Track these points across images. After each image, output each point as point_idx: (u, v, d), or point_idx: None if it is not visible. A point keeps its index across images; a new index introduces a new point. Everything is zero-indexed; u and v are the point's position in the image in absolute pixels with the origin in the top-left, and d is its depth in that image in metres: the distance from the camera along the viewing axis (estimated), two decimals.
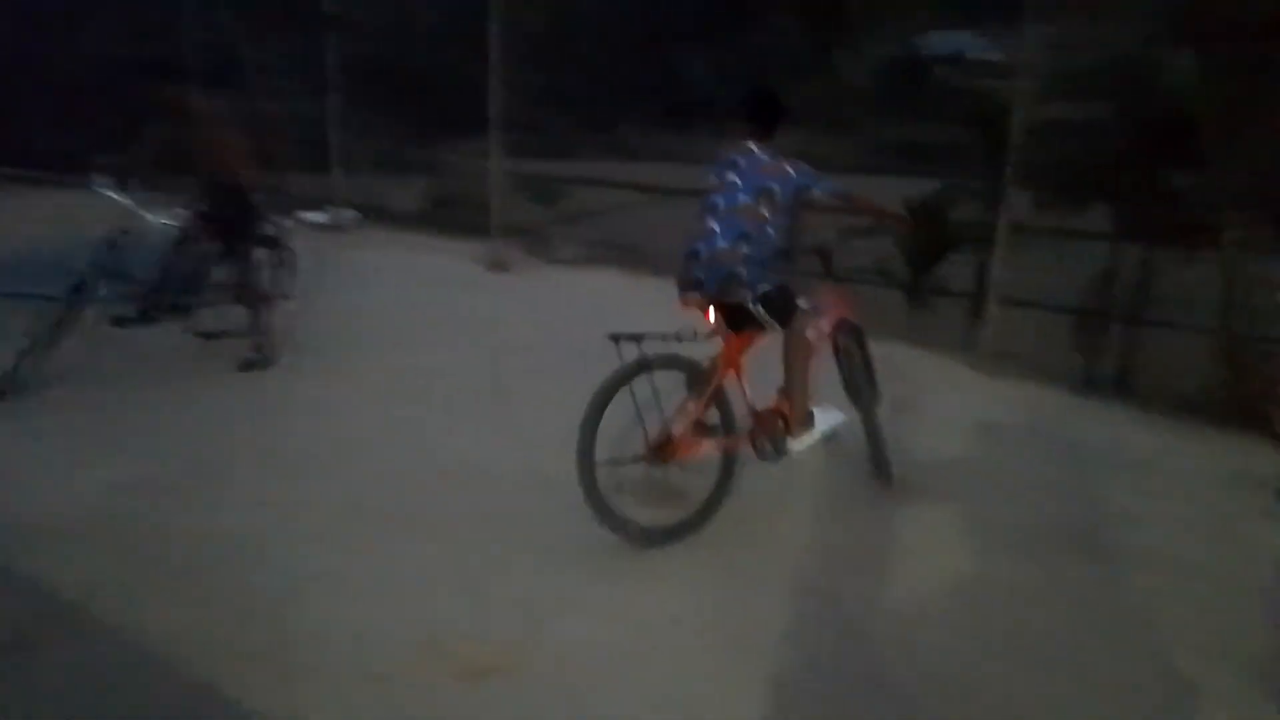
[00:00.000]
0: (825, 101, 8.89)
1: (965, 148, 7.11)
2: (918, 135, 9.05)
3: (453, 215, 8.60)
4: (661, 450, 3.37)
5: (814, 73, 9.01)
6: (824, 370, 3.85)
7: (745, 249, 3.40)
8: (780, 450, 3.65)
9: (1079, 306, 6.13)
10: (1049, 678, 2.75)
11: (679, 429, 3.40)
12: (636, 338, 3.27)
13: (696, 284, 3.47)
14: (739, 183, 3.47)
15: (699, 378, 3.48)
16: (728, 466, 3.60)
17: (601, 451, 3.22)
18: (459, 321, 6.24)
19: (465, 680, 2.60)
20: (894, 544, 3.53)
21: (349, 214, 8.80)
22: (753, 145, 3.54)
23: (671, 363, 3.41)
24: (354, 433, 4.33)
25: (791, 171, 3.50)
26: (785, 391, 3.64)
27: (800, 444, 3.65)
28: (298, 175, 9.54)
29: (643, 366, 3.29)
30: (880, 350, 5.92)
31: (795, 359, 3.57)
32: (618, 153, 9.86)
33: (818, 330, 3.74)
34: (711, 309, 3.49)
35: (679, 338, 3.36)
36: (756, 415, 3.65)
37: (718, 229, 3.44)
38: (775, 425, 3.64)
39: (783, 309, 3.49)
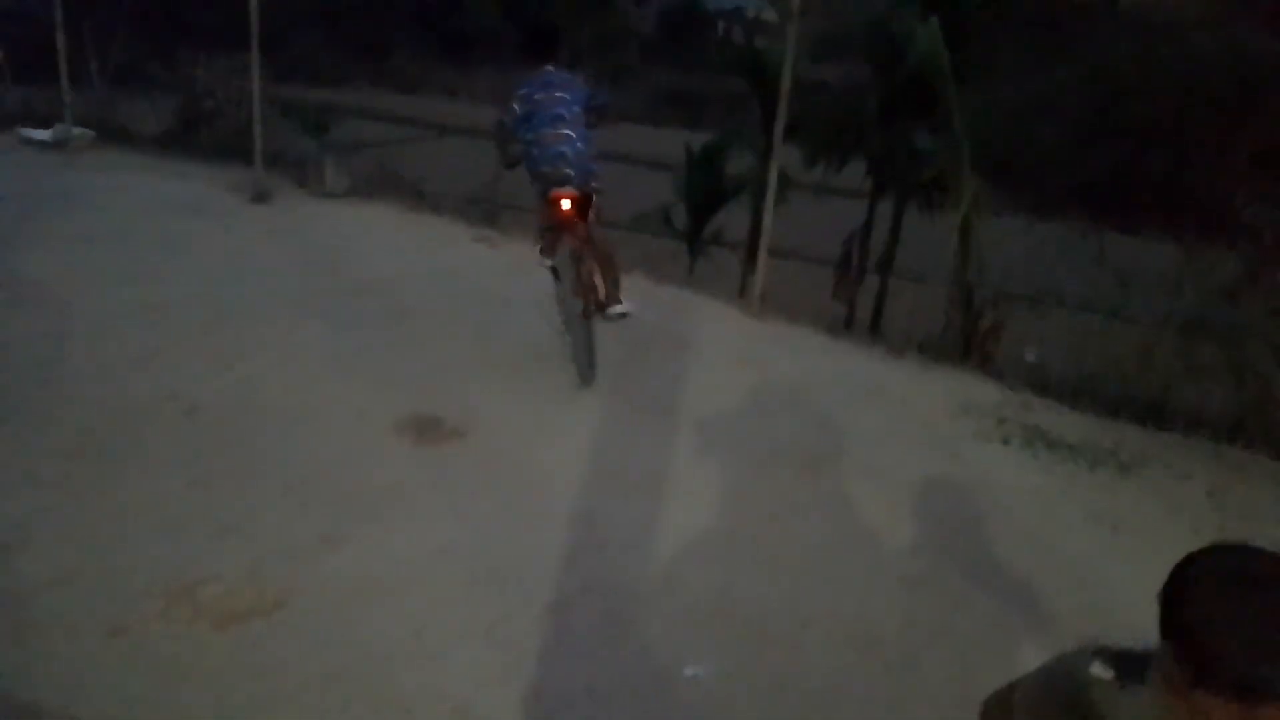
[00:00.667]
0: (608, 47, 8.92)
1: (741, 101, 7.40)
2: (697, 86, 9.32)
3: (208, 139, 7.80)
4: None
5: (597, 15, 8.99)
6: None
7: (591, 150, 4.09)
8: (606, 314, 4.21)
9: (839, 259, 6.65)
10: (795, 584, 2.98)
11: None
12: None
13: (567, 179, 4.02)
14: (566, 97, 4.04)
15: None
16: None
17: None
18: (211, 251, 5.72)
19: (219, 628, 2.44)
20: (651, 468, 3.66)
21: (81, 132, 7.76)
22: (551, 67, 4.10)
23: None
24: (70, 370, 3.89)
25: (583, 85, 4.17)
26: (603, 269, 4.18)
27: (619, 309, 4.21)
28: (19, 87, 8.29)
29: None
30: (661, 293, 6.20)
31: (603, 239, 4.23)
32: (394, 84, 9.39)
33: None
34: (568, 201, 4.00)
35: None
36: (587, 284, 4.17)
37: (573, 134, 4.04)
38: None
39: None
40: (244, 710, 2.21)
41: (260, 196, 6.79)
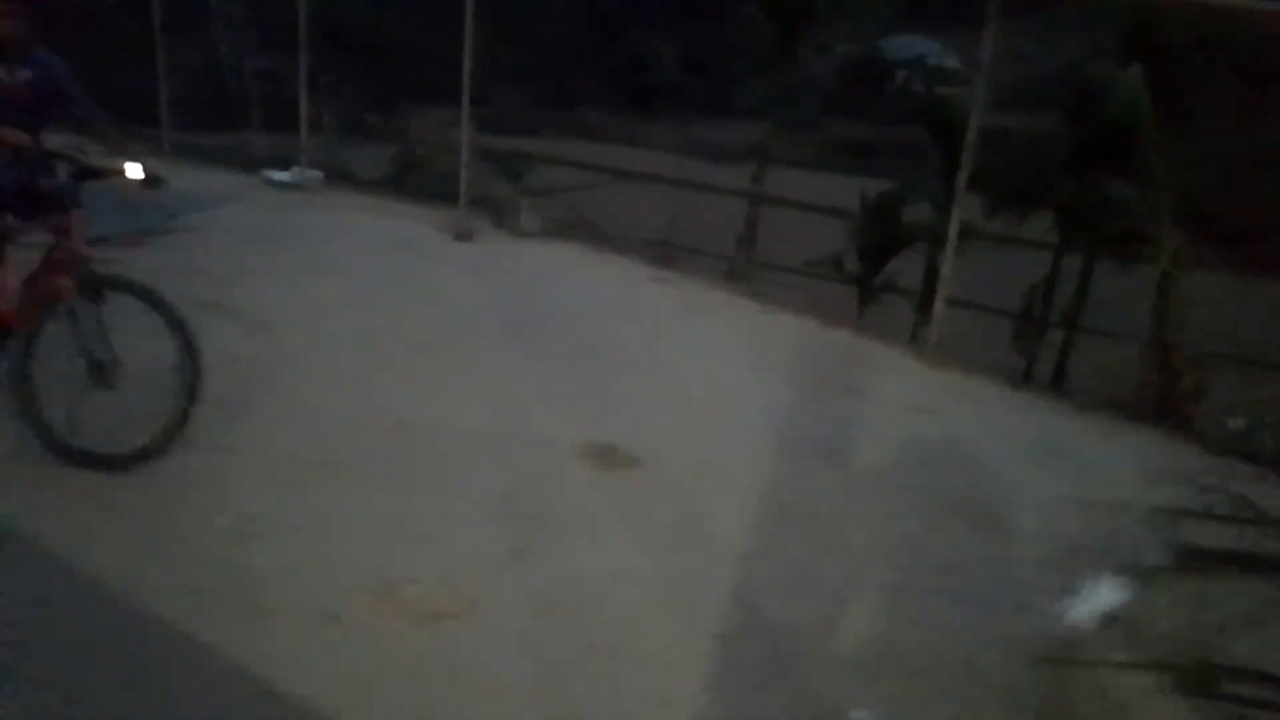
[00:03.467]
0: (787, 97, 9.07)
1: (920, 150, 7.34)
2: (875, 136, 9.29)
3: (419, 182, 8.60)
4: None
5: (778, 67, 9.19)
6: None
7: None
8: None
9: (1020, 310, 6.42)
10: (966, 641, 2.92)
11: None
12: None
13: None
14: None
15: None
16: None
17: None
18: (419, 284, 6.25)
19: (418, 624, 2.68)
20: (819, 511, 3.68)
21: (313, 175, 8.76)
22: None
23: None
24: (292, 387, 4.37)
25: None
26: None
27: None
28: (265, 134, 9.44)
29: None
30: (831, 337, 6.22)
31: None
32: (581, 133, 9.97)
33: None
34: None
35: None
36: None
37: None
38: None
39: None
40: (436, 702, 2.42)
41: (463, 235, 7.39)
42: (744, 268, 8.24)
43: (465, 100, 6.92)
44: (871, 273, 7.47)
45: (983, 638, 2.94)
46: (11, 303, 3.31)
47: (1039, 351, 6.22)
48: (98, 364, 3.30)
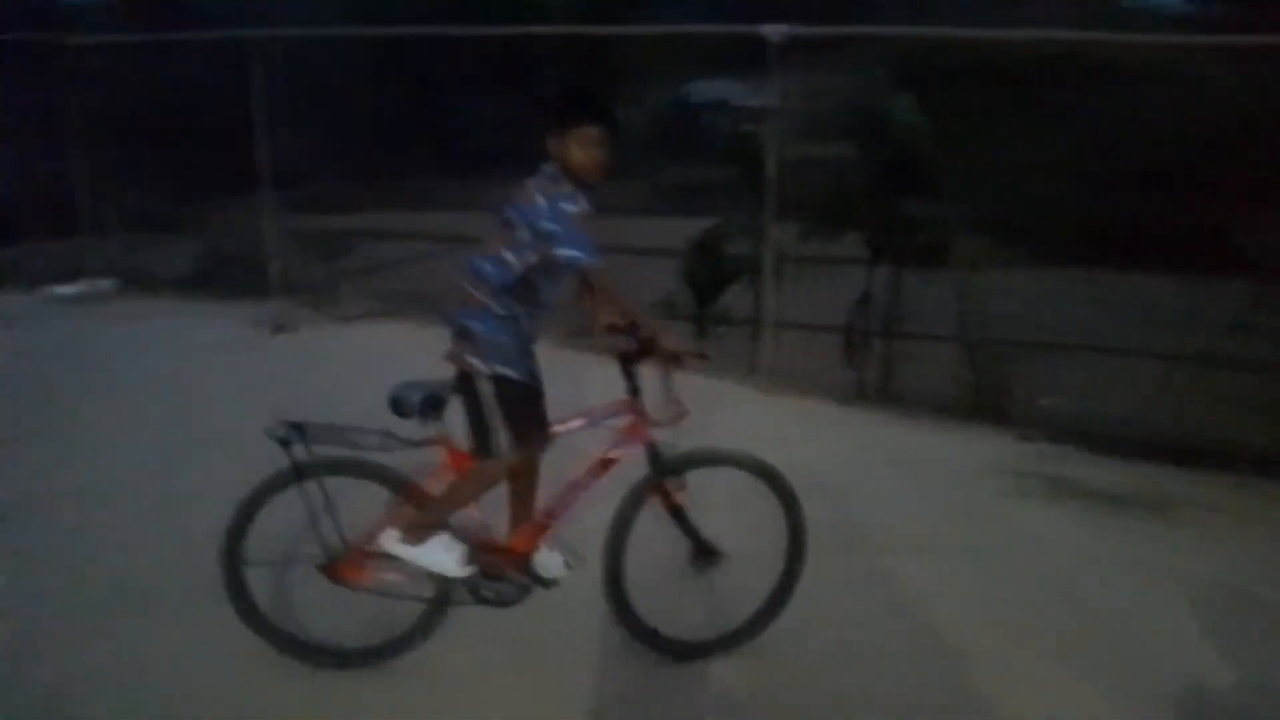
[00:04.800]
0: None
1: (735, 187, 7.62)
2: (693, 177, 9.59)
3: (228, 277, 8.12)
4: (329, 570, 2.81)
5: None
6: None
7: (479, 289, 2.70)
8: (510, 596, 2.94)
9: (844, 325, 6.75)
10: (830, 666, 2.99)
11: (357, 550, 2.80)
12: (310, 432, 2.70)
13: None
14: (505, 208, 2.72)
15: (401, 489, 2.81)
16: (437, 600, 2.91)
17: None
18: (234, 389, 5.86)
19: None
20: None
21: (105, 284, 8.10)
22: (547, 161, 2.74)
23: (354, 469, 2.79)
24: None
25: (541, 204, 2.60)
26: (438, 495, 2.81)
27: (393, 544, 2.75)
28: (43, 244, 8.68)
29: (301, 474, 2.72)
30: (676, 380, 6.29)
31: (474, 484, 2.78)
32: (409, 203, 9.78)
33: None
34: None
35: (382, 444, 2.72)
36: (485, 545, 2.88)
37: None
38: (513, 556, 2.92)
39: (523, 420, 2.73)
40: None
41: (280, 328, 7.02)
42: (582, 321, 8.27)
43: (263, 184, 6.66)
44: (704, 309, 7.66)
45: (852, 658, 3.02)
46: None
47: (868, 364, 6.55)
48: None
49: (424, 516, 2.75)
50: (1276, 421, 5.06)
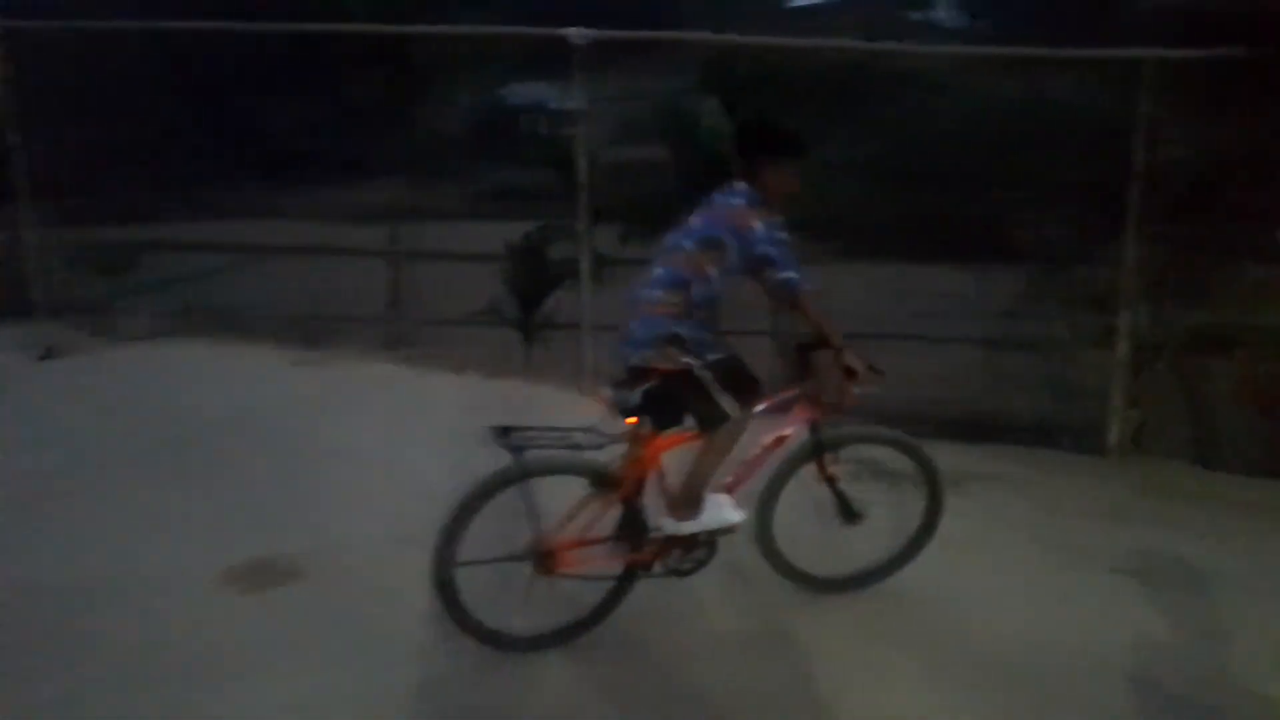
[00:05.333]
0: (418, 151, 8.98)
1: (554, 190, 7.59)
2: (512, 180, 9.47)
3: None
4: (542, 560, 3.02)
5: (408, 123, 9.04)
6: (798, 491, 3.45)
7: (677, 301, 2.98)
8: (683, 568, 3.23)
9: None
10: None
11: (565, 538, 3.02)
12: (516, 436, 2.89)
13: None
14: (692, 225, 3.07)
15: (604, 482, 3.07)
16: (626, 578, 3.16)
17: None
18: None
19: None
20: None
21: None
22: (740, 184, 3.10)
23: (565, 467, 3.02)
24: None
25: (758, 229, 2.96)
26: (690, 472, 3.12)
27: (676, 527, 3.11)
28: None
29: (525, 473, 2.92)
30: (497, 388, 6.17)
31: (723, 445, 3.09)
32: (207, 212, 9.03)
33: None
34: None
35: (581, 442, 2.97)
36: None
37: (652, 275, 3.06)
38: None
39: (740, 386, 3.12)
40: None
41: (50, 352, 6.29)
42: (400, 330, 7.95)
43: (20, 194, 5.93)
44: (529, 314, 7.55)
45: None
46: None
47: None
48: None
49: (686, 493, 3.08)
50: (1048, 397, 5.61)
